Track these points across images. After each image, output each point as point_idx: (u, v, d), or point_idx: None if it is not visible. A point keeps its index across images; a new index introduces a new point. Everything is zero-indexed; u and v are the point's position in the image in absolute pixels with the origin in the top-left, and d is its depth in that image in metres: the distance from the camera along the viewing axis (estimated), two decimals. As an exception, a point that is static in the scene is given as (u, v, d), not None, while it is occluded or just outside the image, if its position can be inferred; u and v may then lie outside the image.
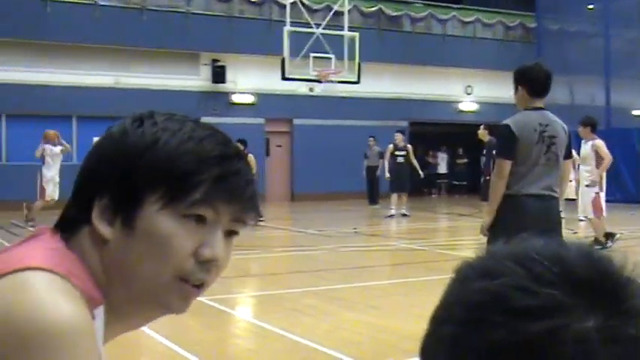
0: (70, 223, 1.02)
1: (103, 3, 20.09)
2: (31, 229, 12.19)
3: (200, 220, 1.00)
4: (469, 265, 0.66)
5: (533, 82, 5.05)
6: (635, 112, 20.62)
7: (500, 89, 25.44)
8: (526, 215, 4.88)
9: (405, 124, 24.64)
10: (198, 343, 5.70)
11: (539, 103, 5.06)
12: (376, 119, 22.86)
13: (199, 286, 1.02)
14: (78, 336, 0.86)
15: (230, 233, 1.04)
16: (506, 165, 4.91)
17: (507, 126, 4.99)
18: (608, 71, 21.21)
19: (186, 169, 0.99)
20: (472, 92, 25.63)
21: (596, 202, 10.46)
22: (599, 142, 10.52)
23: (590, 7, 22.92)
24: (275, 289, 6.82)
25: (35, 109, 19.02)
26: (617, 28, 21.37)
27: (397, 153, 17.08)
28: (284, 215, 18.41)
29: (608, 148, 10.63)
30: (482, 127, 15.38)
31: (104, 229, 1.00)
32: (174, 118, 1.06)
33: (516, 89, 5.11)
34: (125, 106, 20.33)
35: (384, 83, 23.38)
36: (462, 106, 25.71)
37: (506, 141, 4.97)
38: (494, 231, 4.90)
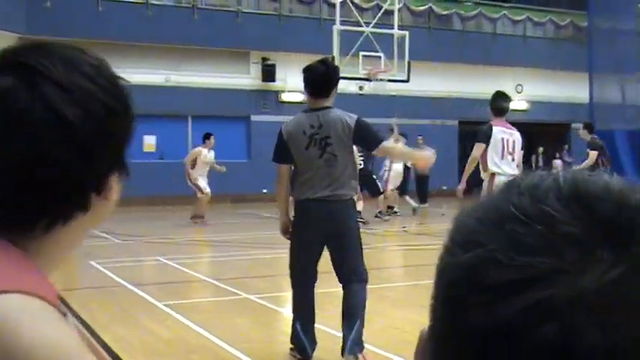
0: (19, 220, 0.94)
1: (154, 2, 20.42)
2: None
3: None
4: (457, 231, 0.56)
5: (307, 83, 4.92)
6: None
7: (551, 88, 25.17)
8: (310, 220, 4.87)
9: (454, 123, 24.50)
10: (247, 341, 5.79)
11: (318, 104, 4.90)
12: (426, 118, 22.78)
13: None
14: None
15: None
16: (282, 169, 4.97)
17: (280, 131, 4.98)
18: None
19: None
20: (522, 91, 25.34)
21: None
22: None
23: (642, 5, 22.48)
24: (325, 288, 6.85)
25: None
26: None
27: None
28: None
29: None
30: None
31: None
32: None
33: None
34: (175, 104, 20.72)
35: (433, 82, 23.27)
36: (512, 105, 25.42)
37: (277, 146, 4.97)
38: (290, 234, 5.02)
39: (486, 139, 7.59)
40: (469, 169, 7.90)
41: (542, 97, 25.14)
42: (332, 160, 4.83)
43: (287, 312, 7.15)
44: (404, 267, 9.56)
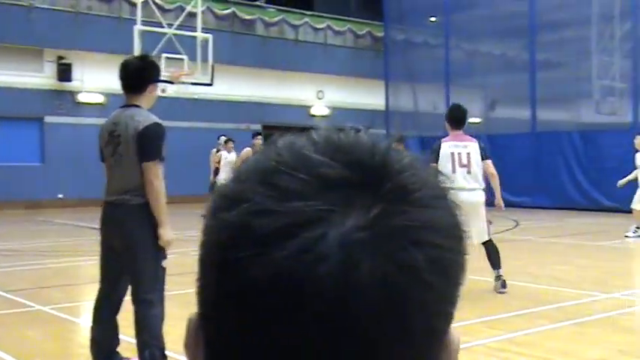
0: None
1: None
2: None
3: None
4: (220, 193, 0.56)
5: (120, 77, 4.71)
6: (472, 120, 21.78)
7: (351, 95, 26.16)
8: (103, 225, 4.66)
9: (258, 127, 24.74)
10: (40, 355, 5.45)
11: (130, 100, 4.67)
12: (229, 122, 22.80)
13: None
14: None
15: None
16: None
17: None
18: (448, 80, 22.32)
19: None
20: (324, 97, 26.10)
21: None
22: None
23: (433, 19, 24.01)
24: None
25: None
26: (455, 39, 22.52)
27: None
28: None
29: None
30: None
31: None
32: None
33: None
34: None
35: (237, 86, 23.37)
36: (313, 111, 26.12)
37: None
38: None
39: (434, 156, 7.53)
40: None
41: (343, 104, 26.05)
42: (120, 161, 4.55)
43: (84, 322, 6.81)
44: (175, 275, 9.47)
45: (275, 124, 24.87)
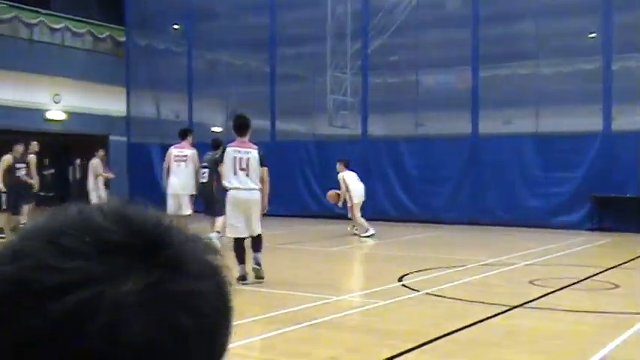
0: None
1: None
2: None
3: None
4: (3, 247, 0.59)
5: None
6: (215, 129, 22.12)
7: (90, 100, 25.24)
8: None
9: (-15, 130, 23.00)
10: None
11: None
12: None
13: None
14: None
15: None
16: None
17: None
18: (191, 89, 22.46)
19: None
20: (60, 101, 24.94)
21: None
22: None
23: (176, 27, 24.01)
24: None
25: None
26: (199, 49, 22.72)
27: (18, 166, 14.78)
28: None
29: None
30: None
31: None
32: None
33: None
34: None
35: (-38, 85, 21.55)
36: (49, 115, 24.85)
37: None
38: None
39: (220, 157, 8.87)
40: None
41: (80, 109, 25.05)
42: None
43: None
44: None
45: (6, 128, 23.26)
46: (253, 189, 8.79)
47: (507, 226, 16.84)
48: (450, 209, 18.26)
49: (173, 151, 12.23)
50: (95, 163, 17.29)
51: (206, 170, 12.63)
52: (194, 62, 22.72)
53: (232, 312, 0.63)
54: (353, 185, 15.11)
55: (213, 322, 0.60)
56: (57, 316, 0.53)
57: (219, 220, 11.75)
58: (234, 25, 21.47)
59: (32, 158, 15.17)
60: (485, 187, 17.90)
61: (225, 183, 8.82)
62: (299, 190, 20.44)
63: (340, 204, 15.30)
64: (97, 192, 16.83)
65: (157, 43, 24.13)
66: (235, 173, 8.68)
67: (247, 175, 8.71)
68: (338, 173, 15.32)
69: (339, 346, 6.04)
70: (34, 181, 15.08)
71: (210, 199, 12.35)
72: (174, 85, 22.85)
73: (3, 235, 14.13)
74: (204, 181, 12.56)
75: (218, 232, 11.68)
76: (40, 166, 26.53)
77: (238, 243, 8.91)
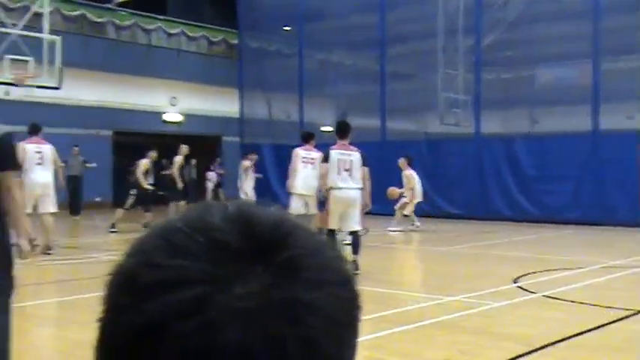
0: None
1: None
2: None
3: None
4: (130, 245, 0.60)
5: None
6: (324, 128, 22.21)
7: (205, 102, 25.97)
8: None
9: (109, 133, 24.04)
10: (40, 355, 5.04)
11: None
12: (79, 127, 22.02)
13: None
14: None
15: None
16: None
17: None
18: (302, 90, 22.64)
19: None
20: (177, 104, 25.75)
21: None
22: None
23: (287, 28, 24.28)
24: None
25: None
26: (309, 49, 22.89)
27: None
28: None
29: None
30: None
31: None
32: None
33: None
34: None
35: (87, 90, 22.60)
36: (166, 117, 25.71)
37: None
38: None
39: (325, 159, 9.49)
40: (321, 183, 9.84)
41: (196, 111, 25.82)
42: None
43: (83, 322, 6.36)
44: (49, 283, 9.10)
45: (126, 131, 24.26)
46: (354, 188, 9.55)
47: (631, 226, 16.03)
48: (569, 209, 17.57)
49: (301, 152, 12.18)
50: (247, 164, 17.78)
51: None
52: (304, 63, 22.90)
53: (354, 326, 0.59)
54: (418, 185, 15.99)
55: (322, 336, 0.55)
56: (153, 315, 0.52)
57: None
58: (344, 25, 21.50)
59: (178, 159, 17.25)
60: (607, 186, 17.12)
61: (329, 182, 9.51)
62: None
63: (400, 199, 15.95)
64: (246, 191, 17.31)
65: (268, 45, 24.50)
66: (339, 173, 9.44)
67: (350, 175, 9.47)
68: (402, 171, 16.05)
69: (452, 347, 5.88)
70: (177, 181, 17.32)
71: None
72: (285, 86, 23.12)
73: (114, 230, 15.27)
74: None
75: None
76: (159, 167, 27.60)
77: (331, 234, 9.55)
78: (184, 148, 17.27)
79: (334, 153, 9.53)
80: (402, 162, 16.02)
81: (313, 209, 12.06)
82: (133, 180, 16.01)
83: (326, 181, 9.55)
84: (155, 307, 0.52)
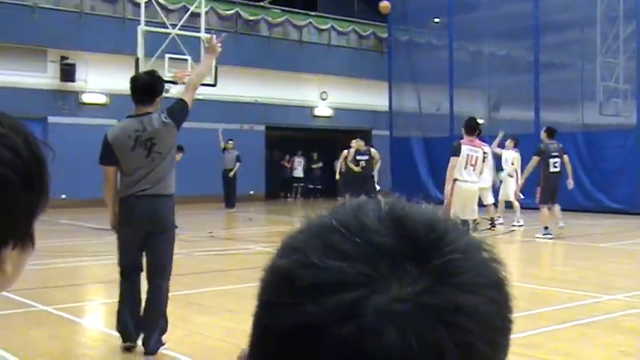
0: None
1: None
2: None
3: None
4: (282, 241, 0.60)
5: (132, 91, 5.42)
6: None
7: (355, 96, 26.15)
8: (131, 215, 5.24)
9: (262, 128, 24.76)
10: (43, 355, 5.46)
11: (141, 110, 5.36)
12: (233, 123, 22.82)
13: None
14: None
15: None
16: (108, 171, 5.32)
17: (105, 135, 5.42)
18: (452, 81, 22.25)
19: None
20: (327, 98, 26.10)
21: None
22: None
23: (437, 20, 23.98)
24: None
25: None
26: (459, 40, 22.47)
27: (359, 158, 16.74)
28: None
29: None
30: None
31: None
32: None
33: None
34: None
35: (240, 87, 23.37)
36: (317, 111, 26.12)
37: (103, 149, 5.36)
38: (118, 229, 5.37)
39: (455, 153, 9.66)
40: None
41: (346, 105, 26.05)
42: (155, 160, 5.20)
43: (88, 323, 6.83)
44: (209, 272, 9.49)
45: (278, 125, 24.89)
46: (477, 182, 9.96)
47: None
48: None
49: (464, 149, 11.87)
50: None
51: (557, 160, 13.38)
52: (455, 54, 22.52)
53: (508, 329, 0.57)
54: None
55: (479, 341, 0.54)
56: (312, 317, 0.52)
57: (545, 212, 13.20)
58: (496, 14, 20.95)
59: (375, 153, 17.29)
60: None
61: (457, 175, 9.68)
62: (563, 183, 19.44)
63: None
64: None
65: (418, 38, 24.30)
66: (466, 168, 9.66)
67: (474, 170, 9.75)
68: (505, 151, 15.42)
69: (612, 348, 5.60)
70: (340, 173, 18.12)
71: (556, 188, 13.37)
72: (434, 78, 22.83)
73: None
74: (557, 170, 13.36)
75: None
76: (309, 160, 28.15)
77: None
78: (356, 142, 17.09)
79: (465, 148, 9.82)
80: (509, 142, 15.42)
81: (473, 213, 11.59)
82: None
83: (453, 173, 9.76)
84: (314, 309, 0.52)
